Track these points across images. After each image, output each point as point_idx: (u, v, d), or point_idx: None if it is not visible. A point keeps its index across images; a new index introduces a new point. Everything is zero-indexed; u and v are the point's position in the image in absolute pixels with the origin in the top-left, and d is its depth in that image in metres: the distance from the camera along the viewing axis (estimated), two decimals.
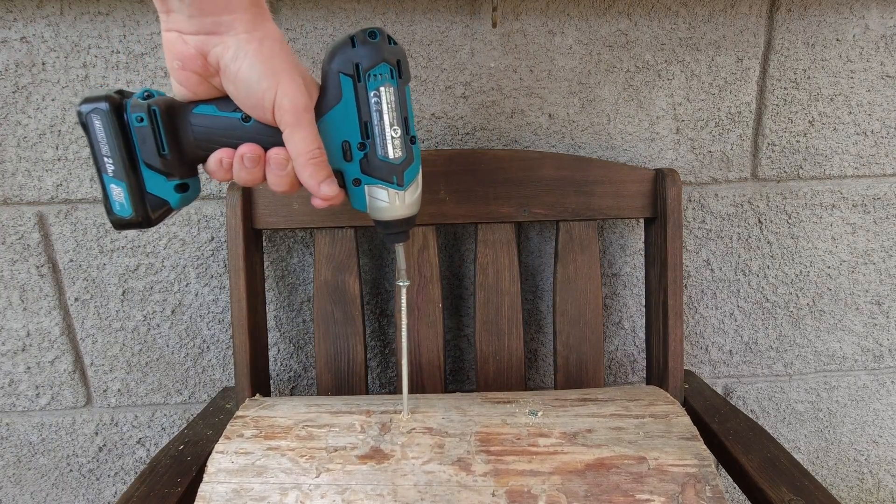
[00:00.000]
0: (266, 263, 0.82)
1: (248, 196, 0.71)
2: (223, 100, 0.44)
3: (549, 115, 0.79)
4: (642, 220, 0.82)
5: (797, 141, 0.81)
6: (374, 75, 0.44)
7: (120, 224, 0.44)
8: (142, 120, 0.42)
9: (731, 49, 0.77)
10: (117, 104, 0.41)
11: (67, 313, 0.82)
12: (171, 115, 0.43)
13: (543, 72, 0.77)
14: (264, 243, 0.81)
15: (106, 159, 0.42)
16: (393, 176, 0.47)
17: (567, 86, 0.77)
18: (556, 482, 0.51)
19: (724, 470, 0.66)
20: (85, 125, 0.41)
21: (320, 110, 0.45)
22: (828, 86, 0.79)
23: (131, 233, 0.79)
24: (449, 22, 0.74)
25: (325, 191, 0.45)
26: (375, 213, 0.49)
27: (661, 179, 0.72)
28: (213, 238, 0.81)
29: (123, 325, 0.83)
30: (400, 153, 0.46)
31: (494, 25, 0.72)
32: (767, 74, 0.78)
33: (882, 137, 0.82)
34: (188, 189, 0.45)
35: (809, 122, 0.81)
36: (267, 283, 0.82)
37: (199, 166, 0.46)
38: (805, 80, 0.79)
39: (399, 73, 0.45)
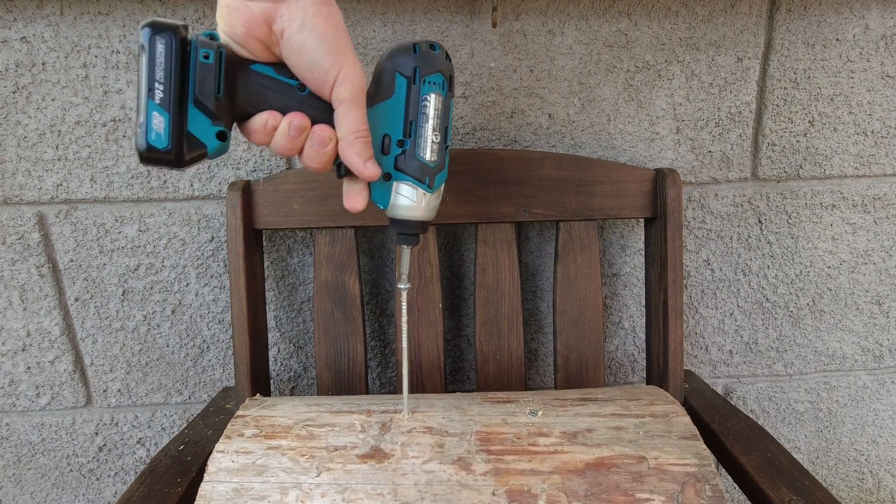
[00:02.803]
0: (266, 263, 0.82)
1: (248, 196, 0.71)
2: (280, 65, 0.45)
3: (549, 115, 0.79)
4: (642, 220, 0.82)
5: (797, 141, 0.81)
6: (429, 82, 0.47)
7: (149, 155, 0.43)
8: (208, 57, 0.42)
9: (731, 49, 0.77)
10: (183, 37, 0.42)
11: (67, 313, 0.82)
12: (232, 63, 0.43)
13: (543, 72, 0.77)
14: (264, 243, 0.81)
15: (158, 85, 0.42)
16: (426, 177, 0.49)
17: (567, 86, 0.77)
18: (556, 481, 0.51)
19: (724, 470, 0.66)
20: (145, 47, 0.41)
21: (370, 101, 0.47)
22: (828, 86, 0.79)
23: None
24: (449, 22, 0.74)
25: (370, 168, 0.47)
26: (396, 210, 0.50)
27: (661, 179, 0.72)
28: (213, 238, 0.81)
29: (123, 325, 0.83)
30: (436, 157, 0.49)
31: (494, 25, 0.72)
32: (767, 74, 0.78)
33: (882, 137, 0.82)
34: (226, 139, 0.45)
35: (809, 122, 0.81)
36: (267, 283, 0.82)
37: (235, 127, 0.46)
38: (805, 80, 0.79)
39: (449, 86, 0.49)
